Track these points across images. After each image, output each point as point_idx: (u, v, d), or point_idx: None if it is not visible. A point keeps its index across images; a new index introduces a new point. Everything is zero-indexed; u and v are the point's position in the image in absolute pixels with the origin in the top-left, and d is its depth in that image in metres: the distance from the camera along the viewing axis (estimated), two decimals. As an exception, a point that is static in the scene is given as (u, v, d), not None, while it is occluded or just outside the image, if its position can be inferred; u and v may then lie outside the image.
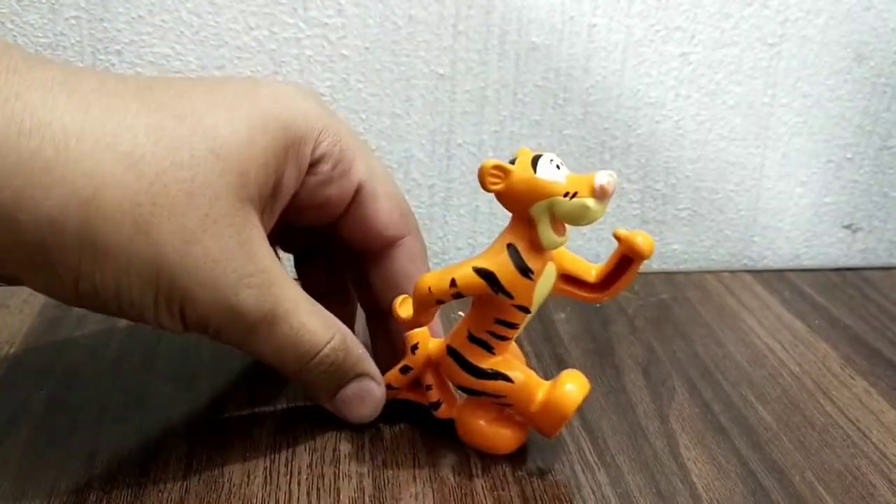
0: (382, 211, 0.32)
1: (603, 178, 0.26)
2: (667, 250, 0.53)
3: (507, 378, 0.30)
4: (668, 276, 0.49)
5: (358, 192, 0.31)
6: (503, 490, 0.30)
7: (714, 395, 0.36)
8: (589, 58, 0.47)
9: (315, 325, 0.29)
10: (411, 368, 0.31)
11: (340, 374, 0.31)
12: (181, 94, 0.27)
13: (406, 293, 0.32)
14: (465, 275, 0.28)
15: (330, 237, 0.34)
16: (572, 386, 0.30)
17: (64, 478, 0.29)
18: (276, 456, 0.31)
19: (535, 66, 0.46)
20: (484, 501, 0.29)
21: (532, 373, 0.30)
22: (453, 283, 0.28)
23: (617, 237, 0.28)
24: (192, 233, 0.25)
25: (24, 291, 0.43)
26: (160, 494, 0.29)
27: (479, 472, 0.31)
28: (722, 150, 0.50)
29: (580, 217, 0.26)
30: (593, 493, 0.30)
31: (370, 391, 0.31)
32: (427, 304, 0.30)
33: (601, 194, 0.26)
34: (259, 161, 0.27)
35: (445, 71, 0.46)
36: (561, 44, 0.46)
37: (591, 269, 0.30)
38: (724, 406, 0.36)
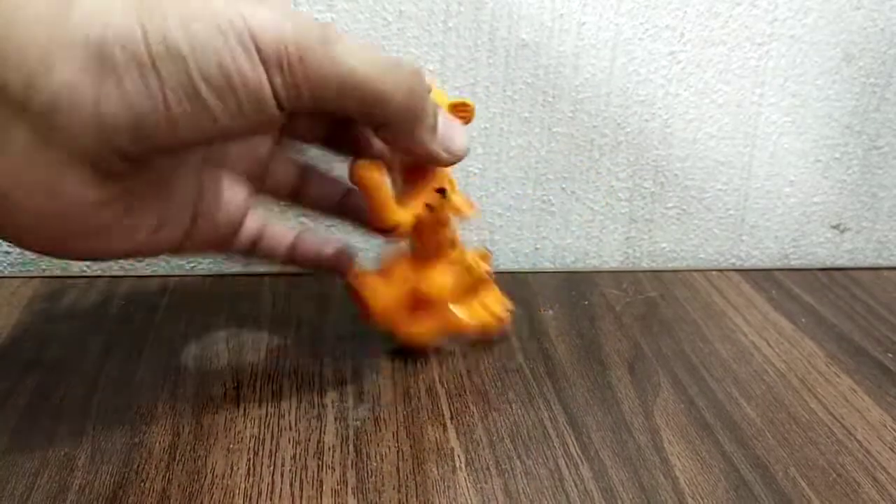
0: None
1: None
2: (655, 248, 0.53)
3: None
4: (657, 273, 0.49)
5: None
6: (486, 483, 0.30)
7: (699, 392, 0.36)
8: (578, 55, 0.47)
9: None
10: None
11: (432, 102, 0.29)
12: None
13: None
14: None
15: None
16: None
17: (48, 466, 0.29)
18: (260, 448, 0.31)
19: (524, 64, 0.46)
20: (467, 494, 0.29)
21: None
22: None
23: None
24: None
25: (13, 283, 0.43)
26: (143, 484, 0.29)
27: (463, 465, 0.31)
28: (711, 148, 0.51)
29: None
30: (576, 486, 0.30)
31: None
32: None
33: None
34: None
35: (435, 67, 0.46)
36: (550, 41, 0.46)
37: None
38: (708, 402, 0.36)
